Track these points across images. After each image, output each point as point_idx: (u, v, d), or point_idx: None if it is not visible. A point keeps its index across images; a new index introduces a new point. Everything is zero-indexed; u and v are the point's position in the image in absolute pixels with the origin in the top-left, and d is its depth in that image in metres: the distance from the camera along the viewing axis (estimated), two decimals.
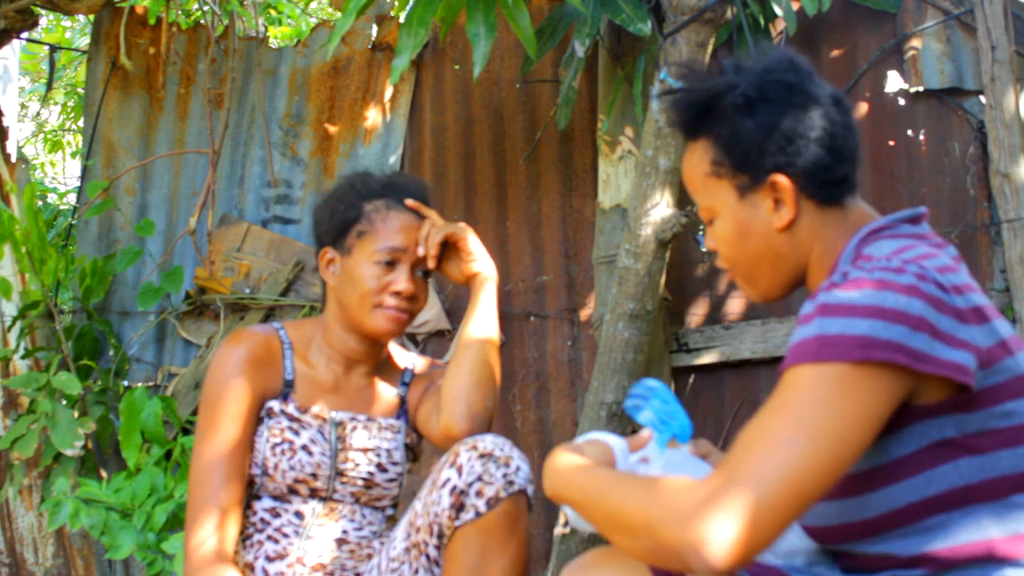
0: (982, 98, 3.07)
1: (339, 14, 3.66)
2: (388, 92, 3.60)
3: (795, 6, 3.05)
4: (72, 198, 5.69)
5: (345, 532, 1.80)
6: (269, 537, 1.78)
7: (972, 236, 3.07)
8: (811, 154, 1.29)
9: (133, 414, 2.95)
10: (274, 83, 3.68)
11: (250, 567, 1.76)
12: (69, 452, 3.03)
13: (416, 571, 1.66)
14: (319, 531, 1.78)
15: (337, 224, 1.84)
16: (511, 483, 1.61)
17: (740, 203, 1.33)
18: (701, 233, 3.28)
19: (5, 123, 3.51)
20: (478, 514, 1.59)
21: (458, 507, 1.60)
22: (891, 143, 3.17)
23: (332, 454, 1.80)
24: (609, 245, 3.10)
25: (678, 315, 3.22)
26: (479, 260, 1.85)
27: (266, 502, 1.80)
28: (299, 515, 1.79)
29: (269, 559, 1.76)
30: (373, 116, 3.60)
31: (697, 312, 3.25)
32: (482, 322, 1.80)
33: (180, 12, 4.67)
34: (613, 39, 3.18)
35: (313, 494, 1.80)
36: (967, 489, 1.13)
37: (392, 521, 1.88)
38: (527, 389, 3.35)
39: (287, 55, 3.71)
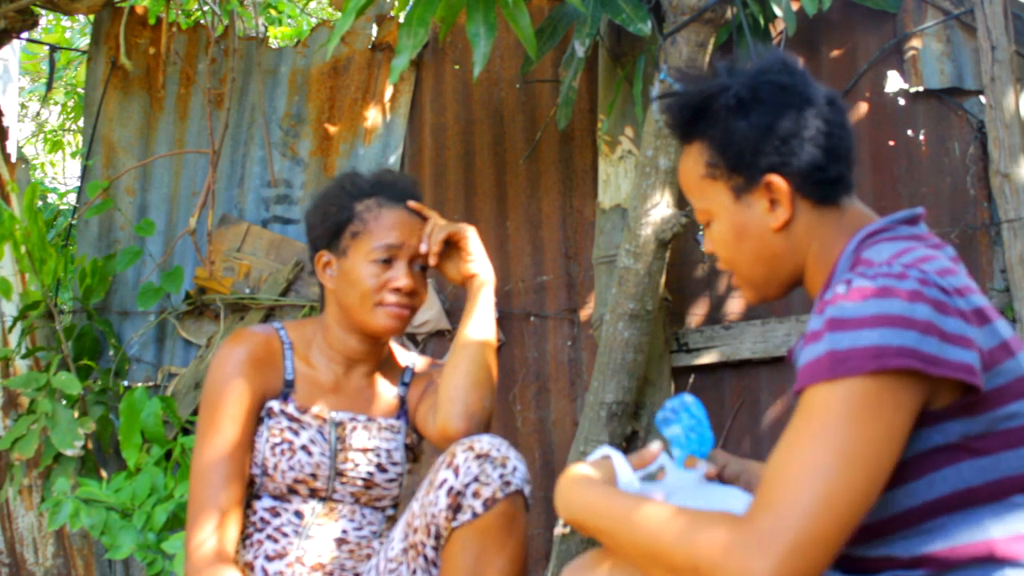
0: (982, 98, 3.07)
1: (339, 14, 3.66)
2: (388, 92, 3.60)
3: (795, 6, 3.05)
4: (72, 198, 5.69)
5: (345, 532, 1.80)
6: (269, 536, 1.78)
7: (972, 236, 3.07)
8: (805, 154, 1.29)
9: (133, 414, 2.95)
10: (274, 83, 3.68)
11: (249, 566, 1.76)
12: (69, 452, 3.03)
13: (414, 572, 1.66)
14: (319, 531, 1.78)
15: (330, 227, 1.84)
16: (508, 484, 1.61)
17: (736, 204, 1.34)
18: (701, 233, 3.27)
19: (5, 123, 3.51)
20: (475, 515, 1.59)
21: (455, 508, 1.60)
22: (891, 143, 3.17)
23: (332, 454, 1.80)
24: (609, 245, 3.10)
25: (678, 315, 3.22)
26: (478, 262, 1.85)
27: (266, 501, 1.80)
28: (299, 515, 1.79)
29: (268, 558, 1.76)
30: (373, 116, 3.60)
31: (697, 312, 3.25)
32: (479, 324, 1.80)
33: (180, 12, 4.67)
34: (613, 39, 3.18)
35: (313, 494, 1.80)
36: (969, 492, 1.13)
37: (392, 521, 1.88)
38: (527, 389, 3.35)
39: (287, 55, 3.71)
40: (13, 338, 3.31)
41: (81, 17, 5.19)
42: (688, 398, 1.43)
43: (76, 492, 2.73)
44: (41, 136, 7.44)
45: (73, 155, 7.32)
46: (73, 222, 3.80)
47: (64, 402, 3.11)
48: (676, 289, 3.20)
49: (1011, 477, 1.14)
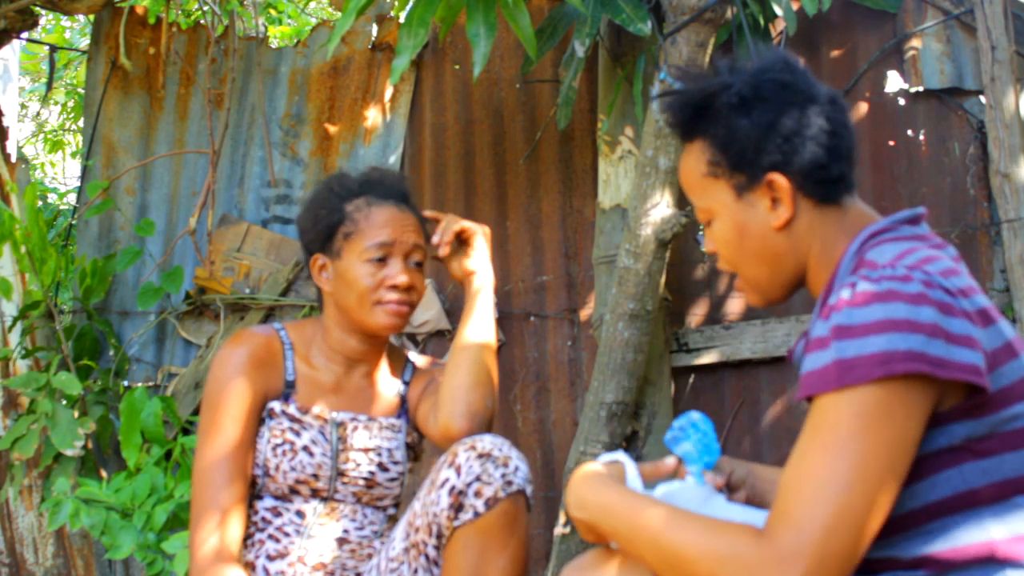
0: (982, 98, 3.07)
1: (339, 14, 3.66)
2: (388, 92, 3.60)
3: (795, 6, 3.05)
4: (72, 198, 5.69)
5: (346, 532, 1.80)
6: (270, 536, 1.78)
7: (972, 236, 3.07)
8: (807, 152, 1.28)
9: (133, 414, 2.95)
10: (274, 83, 3.68)
11: (251, 566, 1.77)
12: (69, 452, 3.03)
13: (415, 571, 1.66)
14: (320, 530, 1.78)
15: (322, 230, 1.85)
16: (510, 483, 1.61)
17: (738, 203, 1.33)
18: (701, 233, 3.28)
19: (5, 123, 3.51)
20: (477, 514, 1.59)
21: (457, 507, 1.60)
22: (891, 143, 3.17)
23: (333, 455, 1.80)
24: (609, 245, 3.10)
25: (678, 315, 3.22)
26: (479, 261, 1.85)
27: (267, 501, 1.80)
28: (300, 514, 1.79)
29: (270, 558, 1.76)
30: (373, 116, 3.60)
31: (697, 312, 3.25)
32: (479, 325, 1.81)
33: (180, 12, 4.67)
34: (613, 39, 3.18)
35: (314, 494, 1.80)
36: (971, 493, 1.13)
37: (393, 521, 1.89)
38: (527, 389, 3.35)
39: (287, 55, 3.71)
40: (13, 338, 3.31)
41: (81, 17, 5.19)
42: (695, 415, 1.43)
43: (76, 492, 2.73)
44: (41, 136, 7.44)
45: (73, 155, 7.32)
46: (73, 222, 3.80)
47: (64, 402, 3.11)
48: (676, 289, 3.20)
49: (1013, 479, 1.14)
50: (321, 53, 3.63)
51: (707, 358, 3.16)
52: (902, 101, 3.19)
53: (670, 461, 1.40)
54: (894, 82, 3.19)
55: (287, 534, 1.78)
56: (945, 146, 3.14)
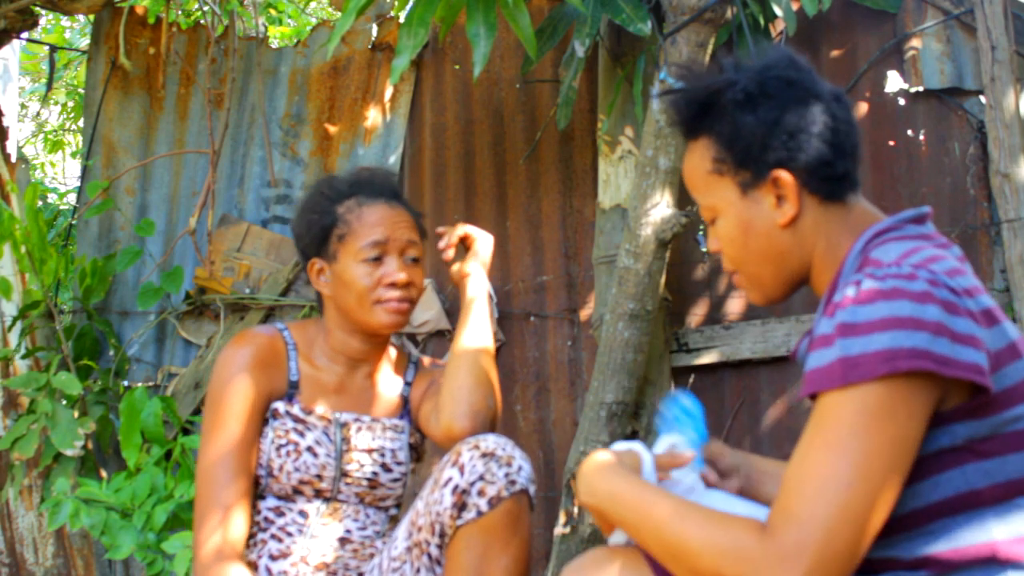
0: (982, 98, 3.07)
1: (339, 14, 3.66)
2: (388, 92, 3.60)
3: (795, 6, 3.05)
4: (72, 198, 5.69)
5: (348, 532, 1.80)
6: (273, 536, 1.78)
7: (972, 236, 3.07)
8: (813, 149, 1.28)
9: (133, 414, 2.95)
10: (274, 83, 3.68)
11: (253, 566, 1.77)
12: (69, 452, 3.03)
13: (418, 570, 1.66)
14: (323, 530, 1.78)
15: (316, 234, 1.85)
16: (513, 483, 1.61)
17: (743, 200, 1.33)
18: (701, 233, 3.28)
19: (5, 123, 3.51)
20: (480, 513, 1.59)
21: (460, 506, 1.60)
22: (891, 143, 3.17)
23: (337, 455, 1.80)
24: (609, 245, 3.10)
25: (678, 315, 3.22)
26: (478, 267, 1.86)
27: (270, 501, 1.80)
28: (303, 514, 1.79)
29: (273, 558, 1.76)
30: (373, 116, 3.60)
31: (697, 312, 3.25)
32: (476, 329, 1.81)
33: (180, 12, 4.67)
34: (613, 39, 3.18)
35: (318, 494, 1.80)
36: (973, 494, 1.13)
37: (395, 521, 1.89)
38: (527, 389, 3.35)
39: (287, 55, 3.71)
40: (13, 338, 3.31)
41: (81, 17, 5.19)
42: (685, 400, 1.43)
43: (76, 492, 2.73)
44: (41, 136, 7.44)
45: (73, 155, 7.32)
46: (73, 222, 3.80)
47: (64, 402, 3.11)
48: (676, 289, 3.20)
49: (1016, 480, 1.13)
50: (321, 53, 3.63)
51: (707, 358, 3.16)
52: (902, 101, 3.19)
53: (687, 453, 1.40)
54: (894, 82, 3.19)
55: (290, 534, 1.78)
56: (945, 146, 3.14)
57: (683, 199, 2.84)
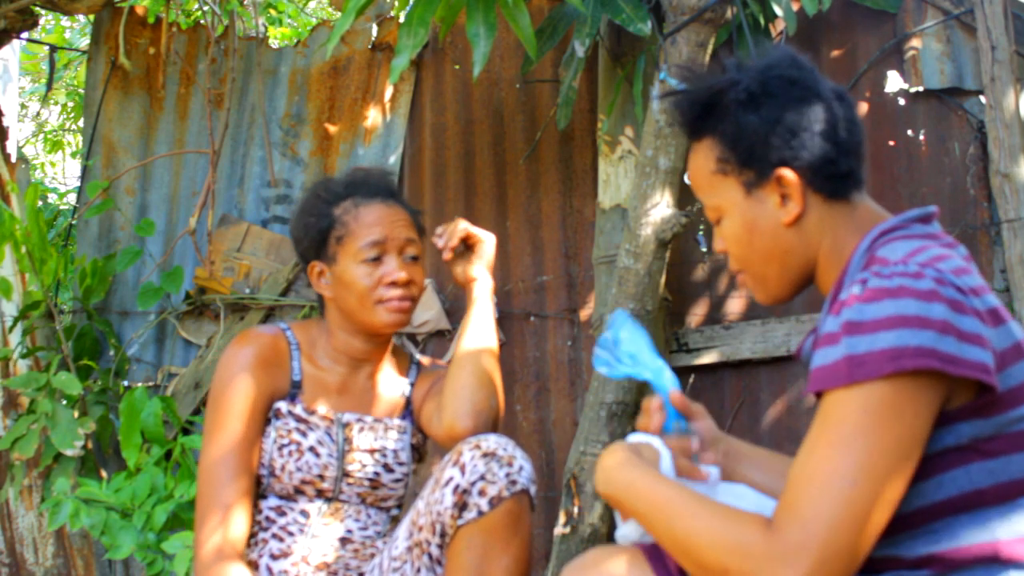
0: (982, 98, 3.07)
1: (339, 14, 3.66)
2: (388, 92, 3.60)
3: (795, 6, 3.05)
4: (72, 198, 5.69)
5: (350, 532, 1.80)
6: (274, 535, 1.78)
7: (972, 236, 3.07)
8: (816, 147, 1.28)
9: (133, 414, 2.95)
10: (274, 83, 3.68)
11: (255, 565, 1.77)
12: (69, 452, 3.03)
13: (418, 570, 1.66)
14: (324, 530, 1.79)
15: (314, 237, 1.85)
16: (514, 483, 1.61)
17: (747, 200, 1.33)
18: (701, 233, 3.28)
19: (5, 123, 3.51)
20: (481, 513, 1.59)
21: (461, 506, 1.60)
22: (891, 143, 3.17)
23: (339, 455, 1.80)
24: (609, 245, 3.10)
25: (678, 315, 3.22)
26: (483, 270, 1.86)
27: (272, 501, 1.80)
28: (304, 514, 1.79)
29: (274, 557, 1.76)
30: (373, 116, 3.60)
31: (697, 312, 3.25)
32: (480, 331, 1.81)
33: (180, 12, 4.67)
34: (613, 39, 3.18)
35: (319, 494, 1.80)
36: (976, 493, 1.13)
37: (396, 521, 1.89)
38: (527, 389, 3.35)
39: (287, 55, 3.71)
40: (13, 338, 3.31)
41: (81, 17, 5.19)
42: (620, 325, 1.43)
43: (76, 492, 2.73)
44: (41, 136, 7.44)
45: (73, 155, 7.32)
46: (73, 222, 3.80)
47: (64, 402, 3.10)
48: (676, 289, 3.20)
49: (1019, 479, 1.14)
50: (321, 53, 3.63)
51: (707, 358, 3.15)
52: (902, 101, 3.19)
53: (709, 470, 1.40)
54: (894, 82, 3.19)
55: (291, 533, 1.78)
56: (945, 146, 3.14)
57: (683, 199, 2.84)
